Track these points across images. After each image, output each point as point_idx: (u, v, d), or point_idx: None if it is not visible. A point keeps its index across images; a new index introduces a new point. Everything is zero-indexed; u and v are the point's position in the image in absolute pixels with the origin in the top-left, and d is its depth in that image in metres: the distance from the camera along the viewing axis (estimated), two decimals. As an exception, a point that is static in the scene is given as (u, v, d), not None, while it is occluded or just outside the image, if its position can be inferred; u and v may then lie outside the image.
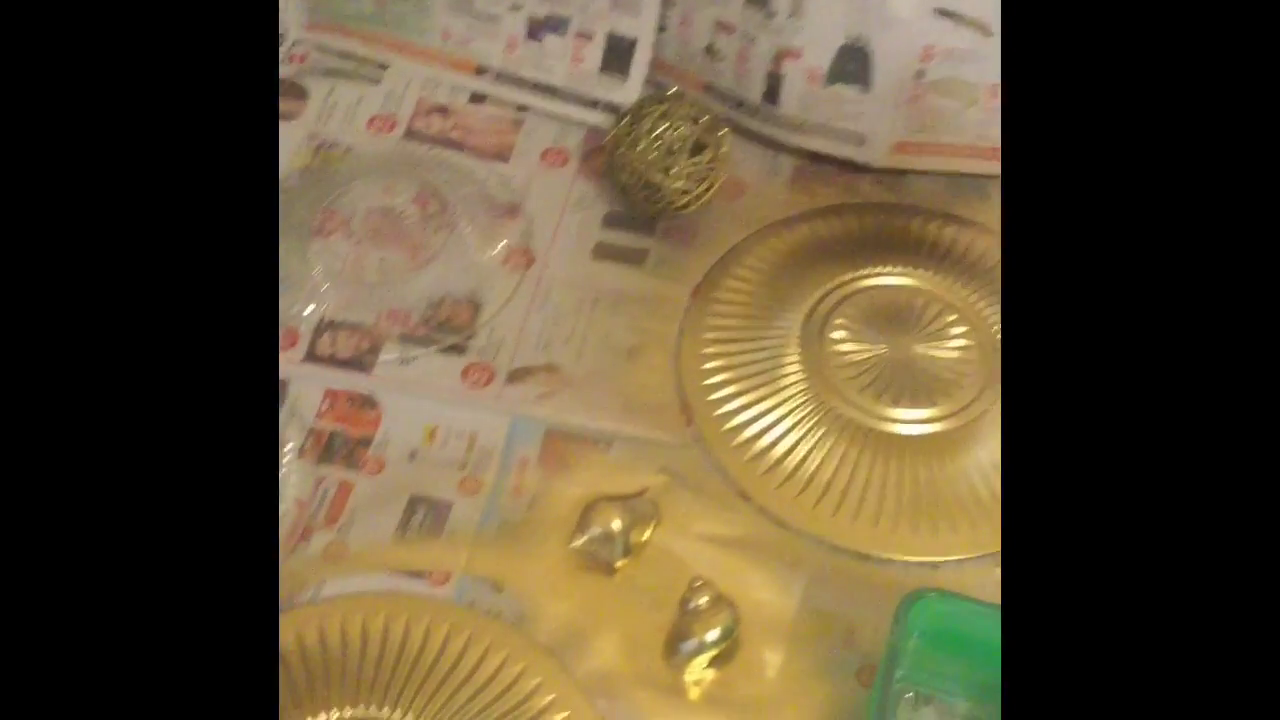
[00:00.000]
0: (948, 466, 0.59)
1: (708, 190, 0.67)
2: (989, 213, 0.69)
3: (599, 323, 0.65)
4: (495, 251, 0.68)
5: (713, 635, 0.53)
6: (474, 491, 0.59)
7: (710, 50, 0.70)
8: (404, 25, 0.75)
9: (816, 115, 0.69)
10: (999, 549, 0.57)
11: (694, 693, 0.54)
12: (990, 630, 0.50)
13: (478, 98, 0.74)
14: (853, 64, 0.66)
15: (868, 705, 0.51)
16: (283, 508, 0.58)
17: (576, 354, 0.64)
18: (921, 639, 0.50)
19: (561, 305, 0.66)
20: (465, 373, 0.63)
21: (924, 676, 0.52)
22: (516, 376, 0.63)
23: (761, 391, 0.62)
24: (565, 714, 0.52)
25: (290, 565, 0.56)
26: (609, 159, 0.68)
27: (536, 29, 0.72)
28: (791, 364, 0.63)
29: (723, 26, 0.69)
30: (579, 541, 0.56)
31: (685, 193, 0.66)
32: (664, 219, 0.68)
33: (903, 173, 0.70)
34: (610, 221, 0.69)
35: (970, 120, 0.68)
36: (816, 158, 0.71)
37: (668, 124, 0.65)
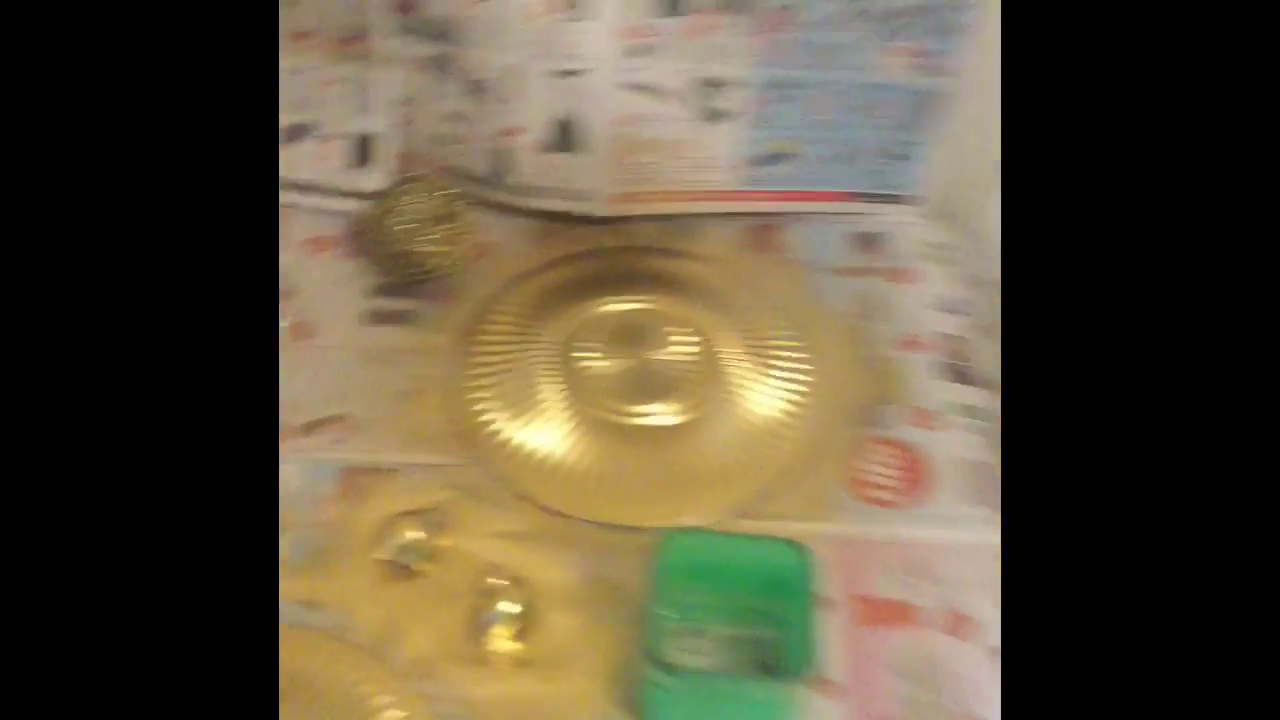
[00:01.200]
0: (688, 447, 0.71)
1: (458, 255, 0.78)
2: (698, 244, 0.83)
3: (378, 375, 0.74)
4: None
5: (508, 609, 0.62)
6: (283, 531, 0.66)
7: (443, 137, 0.81)
8: (166, 146, 0.83)
9: (543, 180, 0.81)
10: (735, 505, 0.69)
11: (501, 661, 0.62)
12: (737, 556, 0.61)
13: (243, 202, 0.83)
14: (565, 135, 0.79)
15: (641, 645, 0.60)
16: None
17: (360, 404, 0.72)
18: (677, 574, 0.60)
19: (343, 365, 0.74)
20: (262, 433, 0.70)
21: (688, 610, 0.62)
22: (310, 429, 0.71)
23: (524, 410, 0.72)
24: (390, 698, 0.60)
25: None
26: (367, 237, 0.78)
27: (289, 136, 0.82)
28: (549, 385, 0.73)
29: (451, 116, 0.80)
30: (382, 553, 0.64)
31: (438, 255, 0.76)
32: (424, 283, 0.78)
33: (625, 219, 0.83)
34: (376, 292, 0.79)
35: (668, 170, 0.81)
36: (551, 216, 0.83)
37: (413, 200, 0.76)
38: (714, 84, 0.79)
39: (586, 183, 0.81)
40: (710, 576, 0.61)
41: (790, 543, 0.60)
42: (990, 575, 0.66)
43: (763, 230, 0.84)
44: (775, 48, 0.76)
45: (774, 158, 0.81)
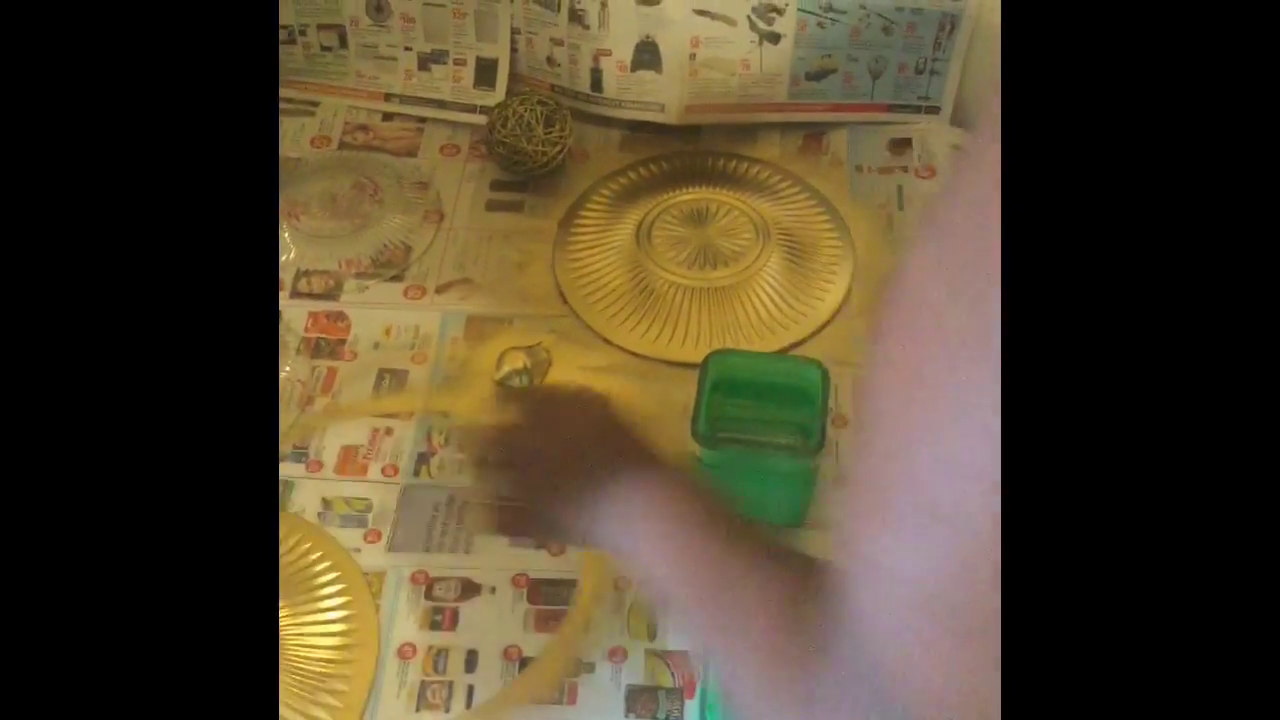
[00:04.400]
0: (736, 303, 0.88)
1: (560, 153, 0.95)
2: (757, 150, 0.99)
3: (495, 250, 0.93)
4: (415, 215, 0.95)
5: (594, 416, 0.80)
6: (423, 362, 0.86)
7: (549, 60, 0.99)
8: (328, 72, 1.03)
9: (628, 95, 0.98)
10: (774, 349, 0.85)
11: (587, 458, 0.80)
12: (768, 371, 0.78)
13: (388, 116, 1.02)
14: (647, 55, 0.96)
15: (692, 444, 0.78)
16: (291, 387, 0.83)
17: (483, 271, 0.91)
18: (719, 387, 0.77)
19: (467, 242, 0.93)
20: (405, 292, 0.90)
21: (726, 423, 0.79)
22: (442, 289, 0.90)
23: (611, 276, 0.90)
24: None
25: (302, 421, 0.82)
26: (487, 139, 0.96)
27: (424, 62, 1.01)
28: (630, 257, 0.91)
29: (555, 41, 0.98)
30: (498, 376, 0.83)
31: (544, 154, 0.94)
32: (533, 179, 0.97)
33: (696, 128, 1.00)
34: (495, 186, 0.98)
35: (733, 86, 0.98)
36: (634, 125, 1.00)
37: (525, 108, 0.94)
38: (772, 9, 0.94)
39: (664, 96, 0.98)
40: (745, 391, 0.78)
41: (812, 361, 0.77)
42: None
43: (811, 137, 1.00)
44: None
45: (820, 74, 0.97)
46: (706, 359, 0.78)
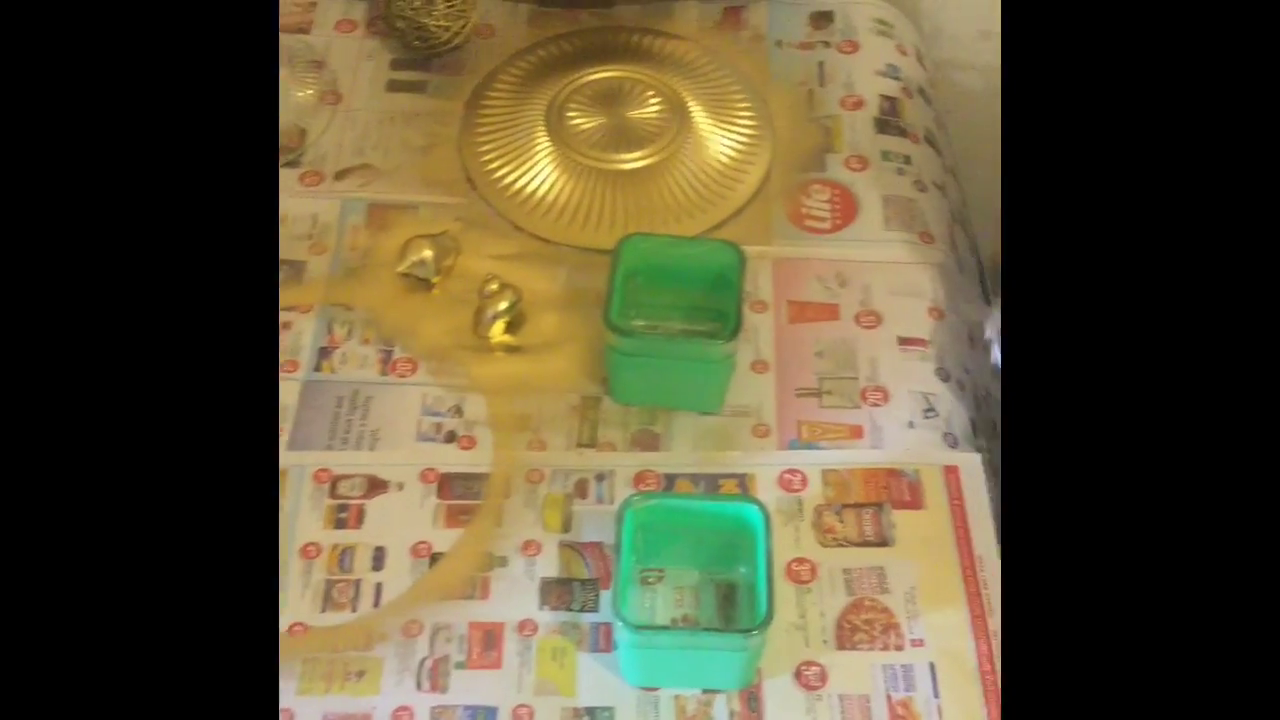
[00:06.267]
0: (651, 187, 0.84)
1: (464, 27, 0.90)
2: (673, 24, 0.94)
3: (398, 133, 0.88)
4: (309, 94, 0.89)
5: (504, 306, 0.77)
6: (322, 252, 0.81)
7: (451, -72, 0.93)
8: (211, -58, 0.95)
9: (536, -35, 0.93)
10: (692, 233, 0.82)
11: (498, 349, 0.77)
12: (684, 256, 0.75)
13: (279, -11, 0.96)
14: (554, -78, 0.90)
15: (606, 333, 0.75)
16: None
17: (384, 155, 0.86)
18: (634, 273, 0.74)
19: (368, 125, 0.88)
20: (302, 178, 0.85)
21: (641, 310, 0.76)
22: (341, 175, 0.85)
23: (521, 159, 0.86)
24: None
25: (194, 315, 0.77)
26: (385, 14, 0.90)
27: (317, -70, 0.94)
28: (541, 139, 0.86)
29: (456, -92, 0.92)
30: (401, 267, 0.79)
31: (447, 29, 0.89)
32: (436, 57, 0.91)
33: (610, 2, 0.95)
34: (396, 65, 0.92)
35: (646, -44, 0.93)
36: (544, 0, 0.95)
37: (424, -20, 0.88)
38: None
39: (575, -33, 0.93)
40: (660, 276, 0.75)
41: (728, 244, 0.74)
42: (897, 281, 0.80)
43: (730, 11, 0.95)
44: None
45: (737, -58, 0.92)
46: (619, 244, 0.75)
